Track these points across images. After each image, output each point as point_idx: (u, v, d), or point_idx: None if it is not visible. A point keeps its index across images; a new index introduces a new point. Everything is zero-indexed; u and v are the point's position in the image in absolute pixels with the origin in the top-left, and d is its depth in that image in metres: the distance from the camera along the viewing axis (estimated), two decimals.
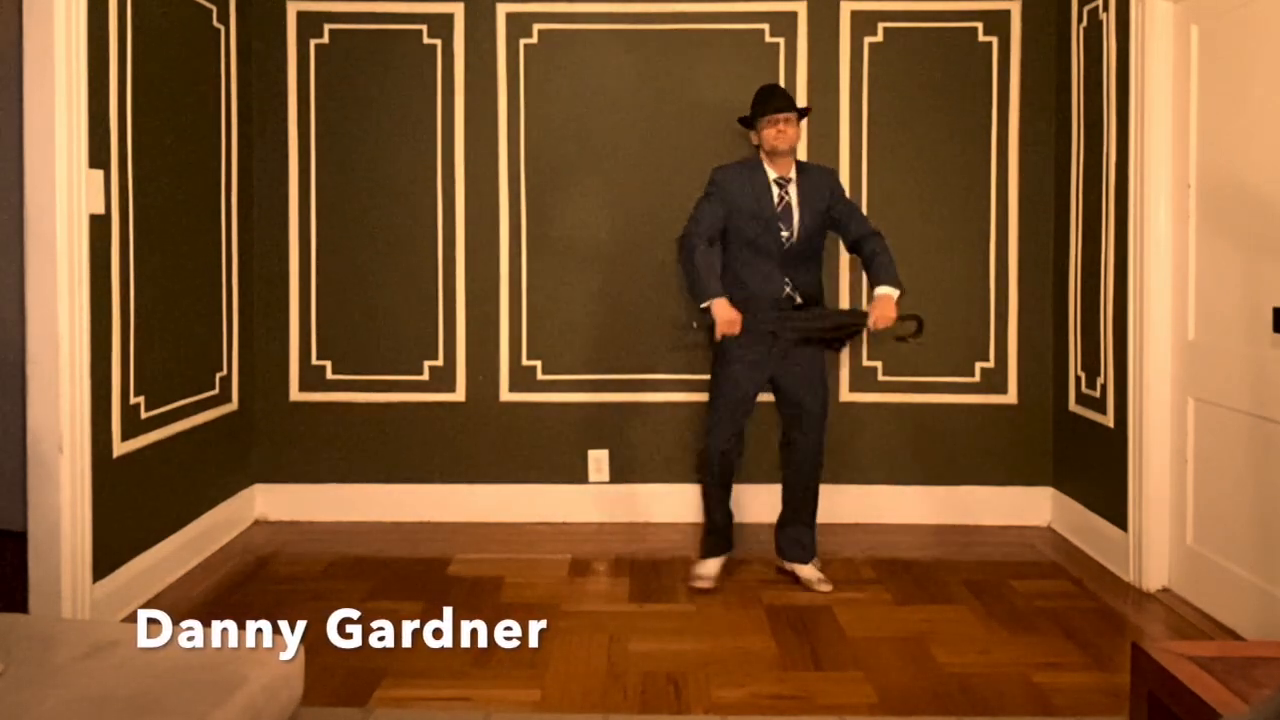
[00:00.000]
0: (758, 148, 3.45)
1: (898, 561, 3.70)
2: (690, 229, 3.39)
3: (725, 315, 3.26)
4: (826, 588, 3.38)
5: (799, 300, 3.40)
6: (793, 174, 3.42)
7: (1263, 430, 2.93)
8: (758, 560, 3.68)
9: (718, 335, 3.31)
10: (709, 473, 3.49)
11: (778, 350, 3.37)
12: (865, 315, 3.37)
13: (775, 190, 3.39)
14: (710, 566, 3.47)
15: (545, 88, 4.18)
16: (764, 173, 3.41)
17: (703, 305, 3.31)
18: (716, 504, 3.52)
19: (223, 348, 3.95)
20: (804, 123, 4.13)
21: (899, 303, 3.35)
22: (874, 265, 3.40)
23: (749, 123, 3.44)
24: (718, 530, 3.52)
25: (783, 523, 3.53)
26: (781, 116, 3.34)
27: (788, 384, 3.42)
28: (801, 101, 4.12)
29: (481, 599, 3.31)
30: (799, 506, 3.49)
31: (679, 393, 4.17)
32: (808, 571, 3.46)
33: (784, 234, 3.37)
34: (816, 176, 3.47)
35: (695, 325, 3.39)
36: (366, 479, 4.22)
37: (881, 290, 3.35)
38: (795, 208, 3.39)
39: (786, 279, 3.39)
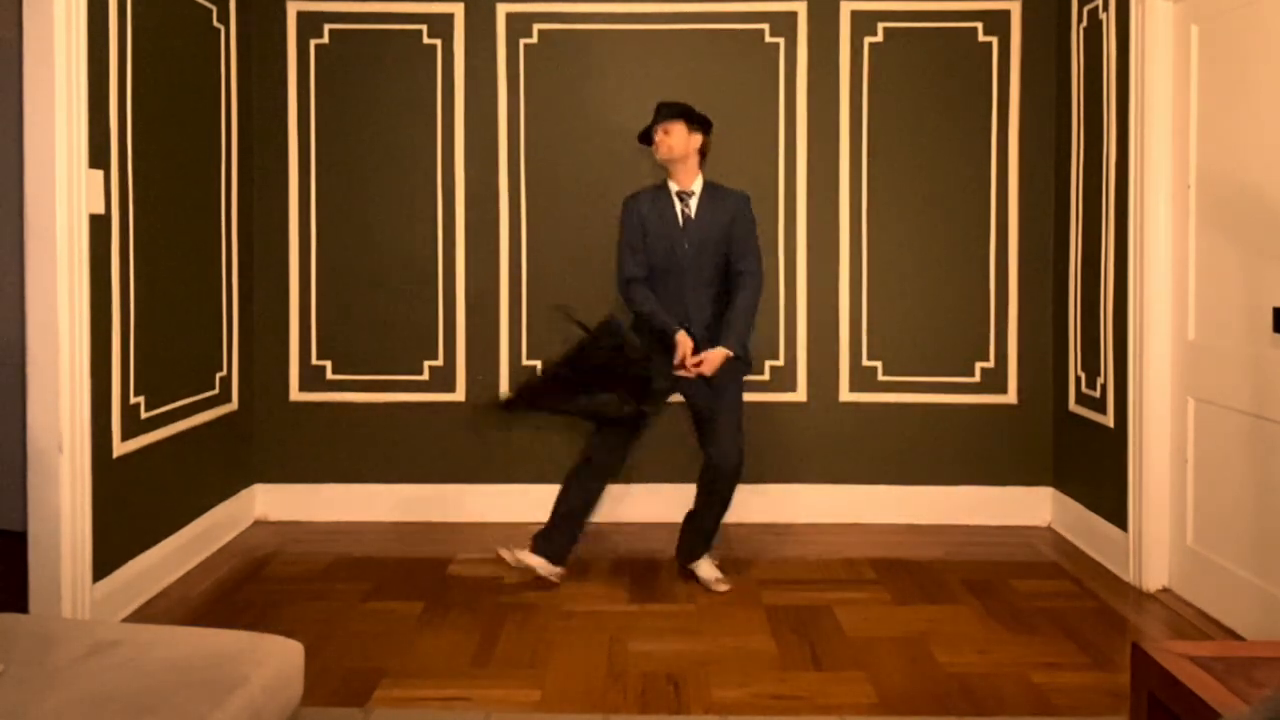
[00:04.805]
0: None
1: (898, 561, 3.70)
2: (620, 277, 3.39)
3: (685, 347, 3.26)
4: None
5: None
6: (695, 188, 3.37)
7: (1263, 430, 2.93)
8: (757, 560, 3.69)
9: (677, 362, 3.27)
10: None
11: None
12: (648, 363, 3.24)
13: (678, 205, 3.37)
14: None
15: (545, 88, 4.18)
16: (668, 190, 3.39)
17: (676, 338, 3.28)
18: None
19: (223, 348, 3.95)
20: (803, 123, 4.15)
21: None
22: (726, 318, 3.30)
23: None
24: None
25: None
26: (659, 127, 3.32)
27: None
28: (802, 102, 4.13)
29: (481, 599, 3.31)
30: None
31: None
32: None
33: (686, 247, 3.33)
34: (725, 197, 3.39)
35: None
36: (366, 479, 4.22)
37: (718, 350, 3.26)
38: (695, 220, 3.34)
39: (691, 306, 3.32)
